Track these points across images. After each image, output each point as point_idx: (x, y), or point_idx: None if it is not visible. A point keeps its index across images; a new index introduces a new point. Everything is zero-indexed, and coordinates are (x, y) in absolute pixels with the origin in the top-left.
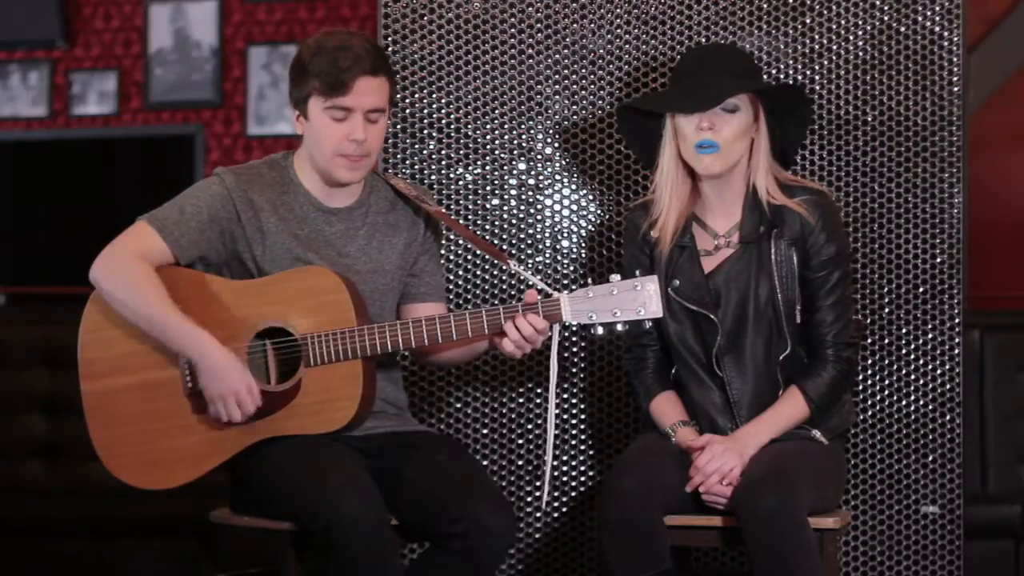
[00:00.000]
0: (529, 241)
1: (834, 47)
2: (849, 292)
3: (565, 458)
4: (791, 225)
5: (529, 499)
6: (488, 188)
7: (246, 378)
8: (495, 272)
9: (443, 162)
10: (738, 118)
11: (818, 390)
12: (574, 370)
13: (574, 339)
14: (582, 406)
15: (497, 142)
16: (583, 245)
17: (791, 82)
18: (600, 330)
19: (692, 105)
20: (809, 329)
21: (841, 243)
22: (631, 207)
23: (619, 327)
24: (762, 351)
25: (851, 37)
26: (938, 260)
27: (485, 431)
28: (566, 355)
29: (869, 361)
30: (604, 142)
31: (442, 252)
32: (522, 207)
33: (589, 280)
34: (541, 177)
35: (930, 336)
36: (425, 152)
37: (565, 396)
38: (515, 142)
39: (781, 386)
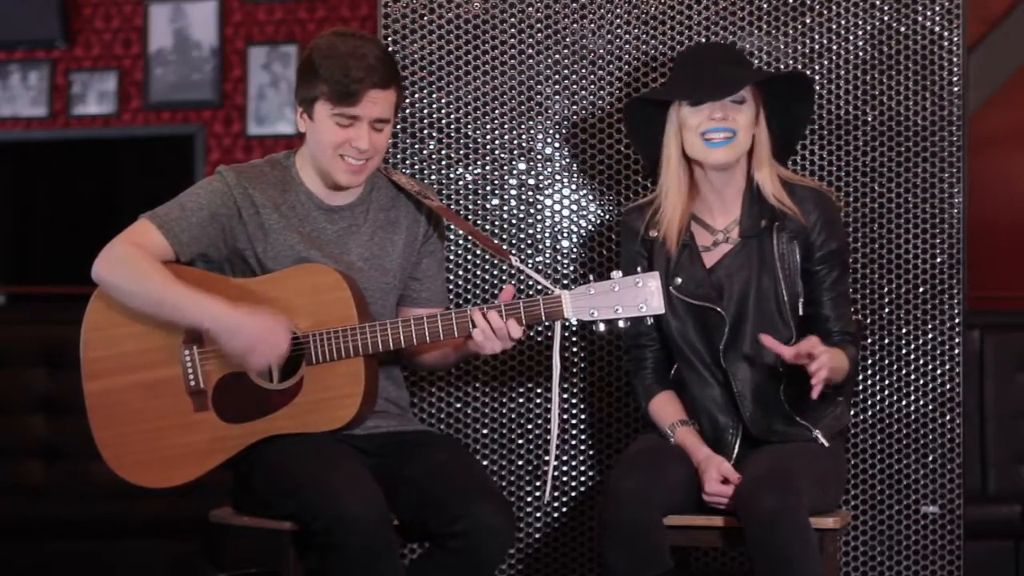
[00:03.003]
0: (529, 241)
1: (834, 47)
2: (848, 286)
3: (565, 458)
4: (792, 219)
5: (529, 499)
6: (488, 188)
7: (265, 320)
8: (496, 272)
9: (443, 162)
10: (746, 109)
11: (852, 355)
12: (574, 370)
13: (574, 339)
14: (582, 406)
15: (497, 142)
16: (583, 245)
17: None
18: (602, 327)
19: (710, 93)
20: (813, 324)
21: (841, 239)
22: (626, 210)
23: (621, 323)
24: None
25: (851, 37)
26: (938, 260)
27: (485, 431)
28: (566, 354)
29: (869, 361)
30: (604, 142)
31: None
32: (522, 207)
33: (591, 277)
34: (541, 177)
35: (930, 336)
36: (425, 152)
37: (565, 396)
38: (515, 142)
39: (783, 379)
